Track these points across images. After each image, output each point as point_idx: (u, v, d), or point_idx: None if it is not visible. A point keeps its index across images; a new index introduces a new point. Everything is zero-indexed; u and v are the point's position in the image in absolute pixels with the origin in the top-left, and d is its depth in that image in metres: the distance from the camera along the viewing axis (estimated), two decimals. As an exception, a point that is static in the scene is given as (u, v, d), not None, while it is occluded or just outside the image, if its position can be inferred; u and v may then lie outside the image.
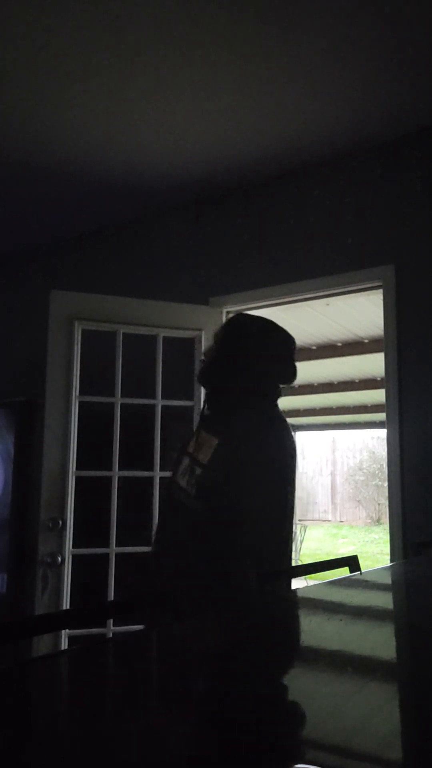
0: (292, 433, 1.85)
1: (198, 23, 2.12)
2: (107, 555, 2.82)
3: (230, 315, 3.22)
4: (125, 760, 0.55)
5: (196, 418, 3.01)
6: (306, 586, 1.55)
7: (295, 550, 9.09)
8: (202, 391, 2.35)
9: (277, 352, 1.87)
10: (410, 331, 2.67)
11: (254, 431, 1.71)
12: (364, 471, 16.68)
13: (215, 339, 1.96)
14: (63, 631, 2.70)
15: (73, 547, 2.78)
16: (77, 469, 2.85)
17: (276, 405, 1.86)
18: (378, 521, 15.66)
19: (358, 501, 16.63)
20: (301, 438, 12.66)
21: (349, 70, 2.36)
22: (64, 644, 2.71)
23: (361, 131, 2.76)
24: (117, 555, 2.82)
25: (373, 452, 16.39)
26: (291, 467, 1.75)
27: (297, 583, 1.75)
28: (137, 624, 1.82)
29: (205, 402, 1.91)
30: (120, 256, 3.65)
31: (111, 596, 2.78)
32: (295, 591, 1.52)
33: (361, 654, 0.90)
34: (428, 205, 2.69)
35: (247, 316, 1.97)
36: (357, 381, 8.09)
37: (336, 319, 5.28)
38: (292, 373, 1.89)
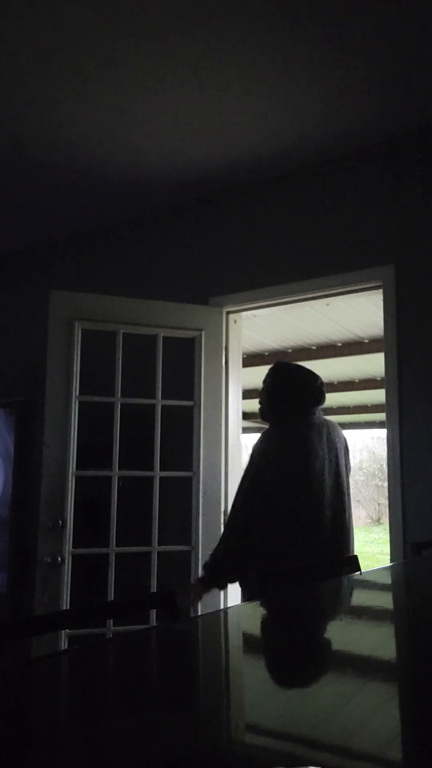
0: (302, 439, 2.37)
1: (197, 23, 2.12)
2: (107, 555, 2.82)
3: (230, 315, 3.22)
4: (125, 760, 0.55)
5: (197, 419, 3.02)
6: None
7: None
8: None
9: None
10: (410, 331, 2.67)
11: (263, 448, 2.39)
12: (364, 471, 16.68)
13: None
14: (63, 631, 2.70)
15: (73, 547, 2.78)
16: (77, 469, 2.85)
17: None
18: (378, 521, 15.66)
19: (358, 501, 16.63)
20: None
21: (349, 70, 2.36)
22: (64, 644, 2.71)
23: (361, 131, 2.76)
24: (117, 555, 2.83)
25: (373, 452, 16.39)
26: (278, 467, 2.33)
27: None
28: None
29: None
30: (120, 256, 3.65)
31: (111, 596, 2.78)
32: (295, 591, 1.52)
33: (361, 654, 0.90)
34: (428, 205, 2.69)
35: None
36: (357, 381, 8.09)
37: (336, 319, 5.28)
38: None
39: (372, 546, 13.35)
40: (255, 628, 1.15)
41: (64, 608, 2.69)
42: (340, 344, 6.17)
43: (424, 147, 2.72)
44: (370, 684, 0.77)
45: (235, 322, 3.24)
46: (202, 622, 1.16)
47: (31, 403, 3.61)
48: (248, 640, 1.06)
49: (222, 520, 2.97)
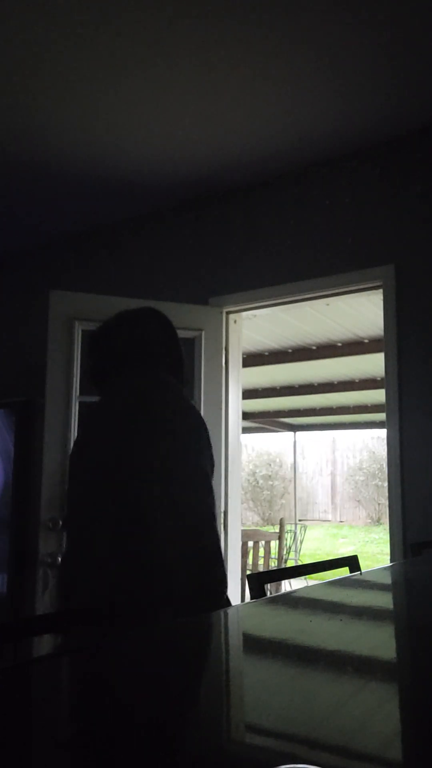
0: None
1: (198, 24, 2.12)
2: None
3: (230, 315, 3.22)
4: (124, 759, 0.55)
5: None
6: (306, 586, 1.55)
7: (295, 551, 9.08)
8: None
9: None
10: (410, 331, 2.67)
11: None
12: (364, 471, 16.68)
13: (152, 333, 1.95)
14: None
15: (73, 547, 2.78)
16: (77, 469, 2.84)
17: None
18: (378, 521, 15.66)
19: (358, 501, 16.63)
20: (301, 438, 12.69)
21: (349, 70, 2.36)
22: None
23: (361, 131, 2.76)
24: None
25: (373, 452, 16.39)
26: None
27: (297, 584, 1.76)
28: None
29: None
30: (120, 255, 3.65)
31: (111, 596, 2.78)
32: (295, 591, 1.52)
33: (361, 654, 0.90)
34: (428, 205, 2.69)
35: None
36: (357, 381, 8.08)
37: (336, 319, 5.27)
38: None
39: (372, 546, 13.35)
40: (255, 627, 1.15)
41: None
42: (340, 344, 6.16)
43: (424, 147, 2.72)
44: (370, 684, 0.77)
45: (235, 322, 3.25)
46: (203, 622, 1.16)
47: (31, 403, 3.61)
48: (248, 640, 1.06)
49: (222, 520, 2.96)
